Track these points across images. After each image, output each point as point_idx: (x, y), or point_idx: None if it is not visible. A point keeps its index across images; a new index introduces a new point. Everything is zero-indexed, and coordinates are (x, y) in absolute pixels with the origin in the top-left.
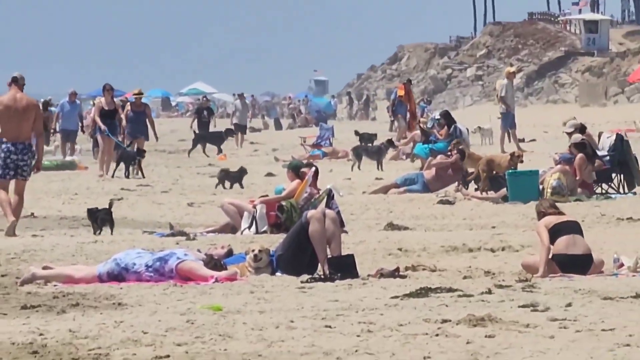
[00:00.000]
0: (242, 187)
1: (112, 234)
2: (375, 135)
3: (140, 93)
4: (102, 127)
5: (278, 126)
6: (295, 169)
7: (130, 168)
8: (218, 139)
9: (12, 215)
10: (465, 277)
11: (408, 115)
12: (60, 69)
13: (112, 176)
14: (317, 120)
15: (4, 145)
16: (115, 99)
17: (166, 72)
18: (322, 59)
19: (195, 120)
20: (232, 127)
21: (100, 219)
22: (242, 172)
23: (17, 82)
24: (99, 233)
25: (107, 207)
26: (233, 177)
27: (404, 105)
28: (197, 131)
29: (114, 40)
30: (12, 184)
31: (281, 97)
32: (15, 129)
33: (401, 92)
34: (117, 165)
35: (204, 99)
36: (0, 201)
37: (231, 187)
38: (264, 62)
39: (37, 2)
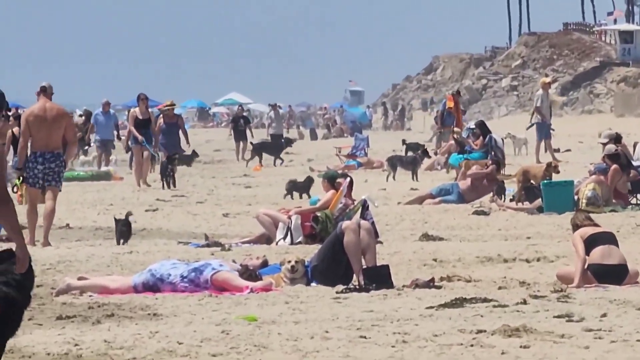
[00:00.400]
0: (309, 196)
1: (123, 244)
2: (423, 146)
3: (172, 105)
4: (139, 137)
5: (313, 136)
6: (331, 180)
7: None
8: (276, 148)
9: (33, 239)
10: (500, 288)
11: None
12: (95, 78)
13: (168, 186)
14: (352, 131)
15: (32, 156)
16: (149, 109)
17: (201, 82)
18: (358, 69)
19: (232, 130)
20: (284, 138)
21: (118, 230)
22: (310, 181)
23: (46, 92)
24: (122, 243)
25: (125, 218)
26: (301, 187)
27: (452, 117)
28: (234, 139)
29: (150, 51)
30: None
31: (317, 107)
32: (45, 138)
33: (450, 104)
34: (165, 175)
35: (240, 108)
36: (29, 223)
37: (300, 197)
38: (300, 72)
39: (71, 11)
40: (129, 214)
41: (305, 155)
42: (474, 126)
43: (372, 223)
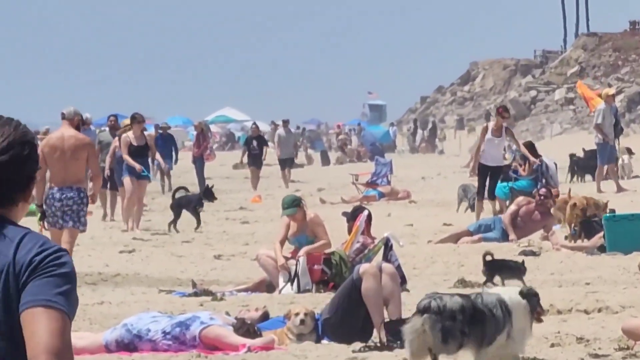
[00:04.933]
0: None
1: None
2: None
3: (128, 125)
4: (138, 166)
5: (325, 161)
6: (294, 204)
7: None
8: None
9: None
10: (552, 345)
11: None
12: (60, 92)
13: (174, 229)
14: (372, 154)
15: (49, 191)
16: (145, 132)
17: (189, 96)
18: (378, 79)
19: (246, 154)
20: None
21: None
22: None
23: (66, 118)
24: None
25: None
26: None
27: None
28: (248, 164)
29: (125, 58)
30: None
31: (329, 126)
32: (62, 171)
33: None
34: (178, 214)
35: (254, 127)
36: None
37: None
38: (307, 83)
39: (35, 17)
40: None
41: (314, 184)
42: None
43: (397, 266)
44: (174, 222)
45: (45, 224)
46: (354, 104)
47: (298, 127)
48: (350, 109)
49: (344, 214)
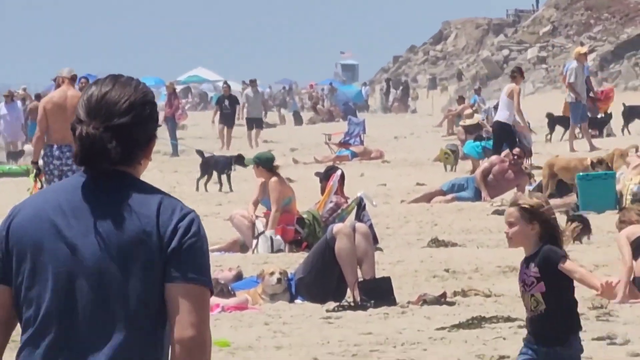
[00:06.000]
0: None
1: None
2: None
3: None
4: None
5: (298, 121)
6: (267, 163)
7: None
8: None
9: None
10: None
11: None
12: (28, 52)
13: (204, 189)
14: (344, 114)
15: (48, 149)
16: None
17: (161, 57)
18: (351, 38)
19: (218, 113)
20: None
21: None
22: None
23: (66, 77)
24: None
25: None
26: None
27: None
28: (219, 123)
29: (97, 18)
30: None
31: (301, 86)
32: (63, 129)
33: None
34: (207, 176)
35: (225, 86)
36: None
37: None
38: (279, 43)
39: None
40: None
41: (287, 144)
42: (493, 108)
43: (370, 226)
44: (205, 181)
45: (40, 182)
46: (326, 64)
47: (270, 87)
48: (322, 69)
49: (317, 174)
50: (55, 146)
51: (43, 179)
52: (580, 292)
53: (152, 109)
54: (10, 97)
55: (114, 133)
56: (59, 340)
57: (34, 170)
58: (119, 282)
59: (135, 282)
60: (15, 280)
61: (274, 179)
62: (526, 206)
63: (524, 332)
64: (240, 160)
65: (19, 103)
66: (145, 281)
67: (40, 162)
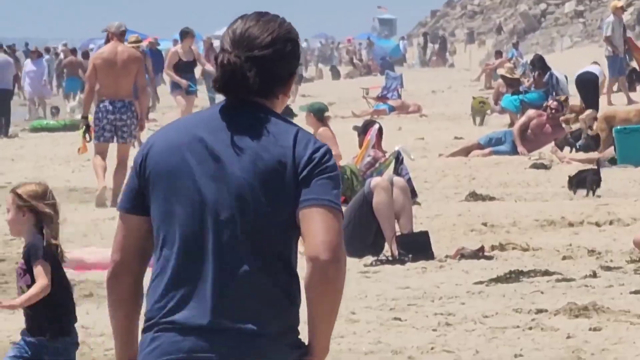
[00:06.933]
0: None
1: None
2: None
3: (138, 40)
4: (184, 82)
5: (335, 75)
6: (318, 112)
7: None
8: None
9: (104, 182)
10: (564, 258)
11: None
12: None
13: None
14: (382, 68)
15: (101, 104)
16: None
17: (198, 11)
18: None
19: None
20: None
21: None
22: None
23: (115, 33)
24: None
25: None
26: None
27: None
28: None
29: None
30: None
31: (338, 41)
32: (114, 84)
33: None
34: None
35: None
36: (94, 165)
37: None
38: None
39: None
40: None
41: (325, 98)
42: (530, 62)
43: (408, 180)
44: None
45: (90, 137)
46: (363, 18)
47: (306, 41)
48: (360, 23)
49: (355, 127)
50: (107, 101)
51: (92, 134)
52: (618, 246)
53: (294, 46)
54: (36, 54)
55: (253, 63)
56: (196, 261)
57: (83, 126)
58: (255, 205)
59: (271, 206)
60: (152, 206)
61: (323, 128)
62: (20, 193)
63: (562, 285)
64: (287, 110)
65: (44, 60)
66: (280, 206)
67: (90, 117)
